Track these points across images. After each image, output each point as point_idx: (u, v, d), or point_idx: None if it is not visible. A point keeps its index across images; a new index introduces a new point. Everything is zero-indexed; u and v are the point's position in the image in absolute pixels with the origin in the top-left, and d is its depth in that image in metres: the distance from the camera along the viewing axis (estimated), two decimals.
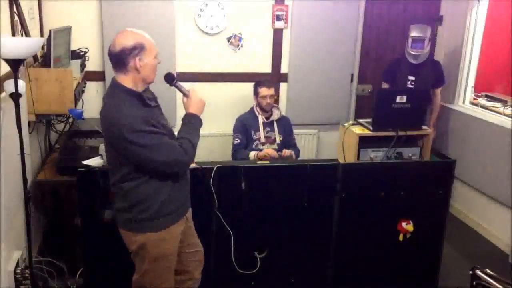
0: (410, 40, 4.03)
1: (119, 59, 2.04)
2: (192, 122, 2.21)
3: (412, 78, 4.07)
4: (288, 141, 3.86)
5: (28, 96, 2.83)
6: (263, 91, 3.71)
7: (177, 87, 2.28)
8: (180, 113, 2.54)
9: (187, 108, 2.24)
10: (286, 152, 3.68)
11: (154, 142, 2.01)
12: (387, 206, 3.02)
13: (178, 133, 2.20)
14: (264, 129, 3.79)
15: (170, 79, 2.27)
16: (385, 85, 4.29)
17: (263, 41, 4.34)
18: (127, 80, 2.07)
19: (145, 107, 2.09)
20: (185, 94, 2.27)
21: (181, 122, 2.24)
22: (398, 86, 4.16)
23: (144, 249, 2.20)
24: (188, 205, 2.38)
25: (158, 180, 2.14)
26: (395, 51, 4.65)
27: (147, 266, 2.24)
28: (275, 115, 3.82)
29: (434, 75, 4.09)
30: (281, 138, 3.83)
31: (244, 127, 3.78)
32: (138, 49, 2.04)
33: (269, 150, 3.64)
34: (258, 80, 3.91)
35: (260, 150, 3.75)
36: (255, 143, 3.78)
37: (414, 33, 4.03)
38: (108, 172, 2.43)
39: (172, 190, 2.19)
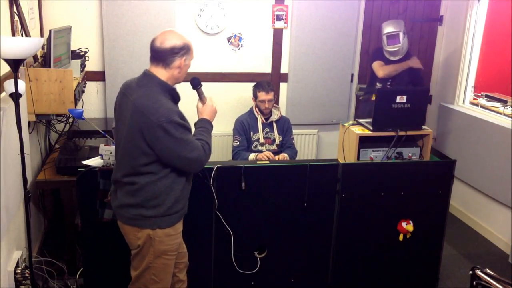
0: (385, 38, 4.01)
1: (166, 55, 2.14)
2: (207, 127, 2.33)
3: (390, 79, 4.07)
4: (286, 142, 3.85)
5: (28, 96, 2.83)
6: (261, 95, 3.70)
7: (199, 92, 2.40)
8: None
9: (201, 113, 2.37)
10: (280, 157, 3.68)
11: (183, 137, 2.10)
12: (387, 206, 3.02)
13: (194, 135, 2.26)
14: (263, 130, 3.79)
15: (196, 83, 2.39)
16: (378, 63, 4.12)
17: (263, 41, 4.34)
18: (164, 75, 2.16)
19: (173, 103, 2.18)
20: (202, 100, 2.38)
21: (194, 126, 2.32)
22: (376, 79, 4.11)
23: (150, 244, 2.22)
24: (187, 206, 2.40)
25: (172, 177, 2.19)
26: None
27: (149, 262, 2.25)
28: (275, 115, 3.82)
29: (413, 79, 4.06)
30: (280, 139, 3.83)
31: (244, 128, 3.78)
32: (185, 49, 2.17)
33: (265, 154, 3.63)
34: (258, 80, 3.91)
35: (260, 151, 3.75)
36: (254, 144, 3.78)
37: (387, 30, 4.00)
38: (108, 172, 2.43)
39: (183, 189, 2.26)
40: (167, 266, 2.30)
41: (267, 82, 3.81)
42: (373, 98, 4.10)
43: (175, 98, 2.21)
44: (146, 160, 2.13)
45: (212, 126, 2.35)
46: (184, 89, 2.44)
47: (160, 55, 2.14)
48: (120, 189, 2.25)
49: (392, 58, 4.02)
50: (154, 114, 2.05)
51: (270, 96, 3.71)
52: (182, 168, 2.17)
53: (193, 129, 2.27)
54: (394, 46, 3.96)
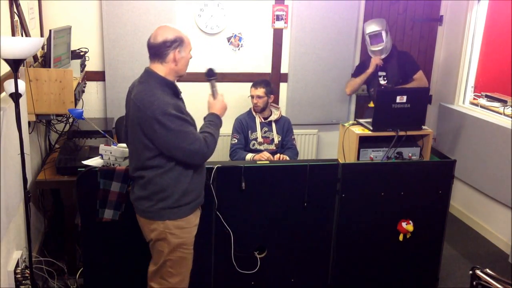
0: (367, 38, 4.00)
1: (159, 50, 2.18)
2: (215, 121, 2.36)
3: (383, 73, 4.04)
4: (286, 142, 3.85)
5: (28, 96, 2.83)
6: (251, 91, 3.76)
7: (212, 84, 2.45)
8: None
9: (211, 108, 2.40)
10: (281, 157, 3.68)
11: (181, 129, 2.13)
12: (387, 206, 3.02)
13: (201, 128, 2.31)
14: (261, 129, 3.79)
15: (211, 74, 2.46)
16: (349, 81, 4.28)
17: (263, 41, 4.34)
18: (162, 70, 2.21)
19: (174, 97, 2.22)
20: (214, 94, 2.42)
21: (203, 120, 2.37)
22: (371, 83, 4.14)
23: (163, 237, 2.26)
24: (203, 197, 2.44)
25: (179, 170, 2.23)
26: None
27: (166, 256, 2.29)
28: (274, 115, 3.82)
29: (404, 65, 4.01)
30: (279, 138, 3.83)
31: (242, 127, 3.79)
32: (178, 42, 2.20)
33: (263, 154, 3.64)
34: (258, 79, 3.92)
35: (258, 150, 3.75)
36: (252, 143, 3.78)
37: (368, 30, 3.99)
38: (108, 172, 2.43)
39: (192, 181, 2.28)
40: (183, 259, 2.34)
41: (261, 80, 3.82)
42: (370, 104, 4.11)
43: (176, 92, 2.24)
44: (150, 154, 2.18)
45: (221, 121, 2.38)
46: (194, 87, 2.46)
47: (154, 51, 2.20)
48: (134, 183, 2.32)
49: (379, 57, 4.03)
50: (149, 107, 2.10)
51: (259, 92, 3.71)
52: (184, 160, 2.20)
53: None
54: (377, 45, 3.95)
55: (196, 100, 2.35)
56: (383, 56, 3.98)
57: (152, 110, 2.09)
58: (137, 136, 2.19)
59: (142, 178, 2.24)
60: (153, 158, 2.19)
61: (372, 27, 3.97)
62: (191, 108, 2.43)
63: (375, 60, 3.96)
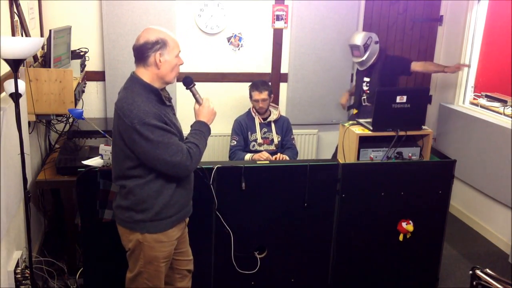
0: (350, 48, 4.09)
1: (140, 52, 2.08)
2: (202, 129, 2.23)
3: (367, 79, 4.07)
4: (286, 142, 3.85)
5: (28, 96, 2.83)
6: (255, 95, 3.71)
7: (192, 92, 2.30)
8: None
9: (198, 115, 2.27)
10: (278, 157, 3.67)
11: (162, 140, 2.02)
12: (387, 206, 3.02)
13: (187, 138, 2.21)
14: (261, 130, 3.79)
15: (188, 82, 2.29)
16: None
17: (263, 41, 4.34)
18: (146, 75, 2.10)
19: (160, 104, 2.11)
20: (198, 101, 2.30)
21: (190, 128, 2.26)
22: (358, 88, 4.16)
23: (140, 249, 2.20)
24: (189, 210, 2.36)
25: (161, 181, 2.13)
26: (395, 51, 4.66)
27: (141, 267, 2.23)
28: (273, 115, 3.81)
29: (392, 70, 3.99)
30: (279, 139, 3.83)
31: (241, 128, 3.78)
32: (160, 44, 2.07)
33: (262, 154, 3.63)
34: (256, 80, 3.90)
35: (258, 151, 3.74)
36: (252, 144, 3.78)
37: (350, 41, 4.07)
38: (108, 172, 2.44)
39: (175, 194, 2.19)
40: (159, 273, 2.27)
41: (261, 82, 3.80)
42: (354, 112, 4.16)
43: (161, 99, 2.12)
44: (131, 164, 2.10)
45: (208, 129, 2.26)
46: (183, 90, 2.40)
47: (136, 53, 2.10)
48: (118, 191, 2.26)
49: (359, 68, 4.09)
50: (128, 116, 2.00)
51: (264, 95, 3.70)
52: (166, 172, 2.09)
53: None
54: (355, 58, 4.05)
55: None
56: (364, 68, 4.04)
57: (130, 119, 1.99)
58: (119, 144, 2.11)
59: (124, 187, 2.16)
60: (134, 168, 2.10)
61: (352, 40, 4.02)
62: (191, 111, 2.38)
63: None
